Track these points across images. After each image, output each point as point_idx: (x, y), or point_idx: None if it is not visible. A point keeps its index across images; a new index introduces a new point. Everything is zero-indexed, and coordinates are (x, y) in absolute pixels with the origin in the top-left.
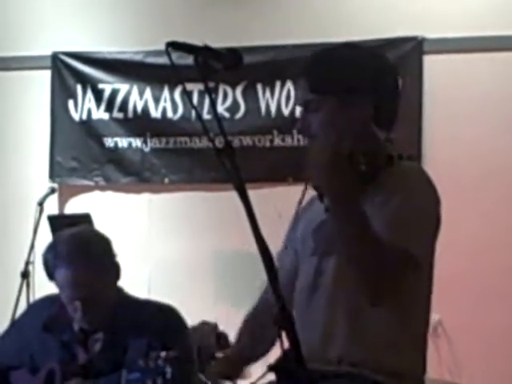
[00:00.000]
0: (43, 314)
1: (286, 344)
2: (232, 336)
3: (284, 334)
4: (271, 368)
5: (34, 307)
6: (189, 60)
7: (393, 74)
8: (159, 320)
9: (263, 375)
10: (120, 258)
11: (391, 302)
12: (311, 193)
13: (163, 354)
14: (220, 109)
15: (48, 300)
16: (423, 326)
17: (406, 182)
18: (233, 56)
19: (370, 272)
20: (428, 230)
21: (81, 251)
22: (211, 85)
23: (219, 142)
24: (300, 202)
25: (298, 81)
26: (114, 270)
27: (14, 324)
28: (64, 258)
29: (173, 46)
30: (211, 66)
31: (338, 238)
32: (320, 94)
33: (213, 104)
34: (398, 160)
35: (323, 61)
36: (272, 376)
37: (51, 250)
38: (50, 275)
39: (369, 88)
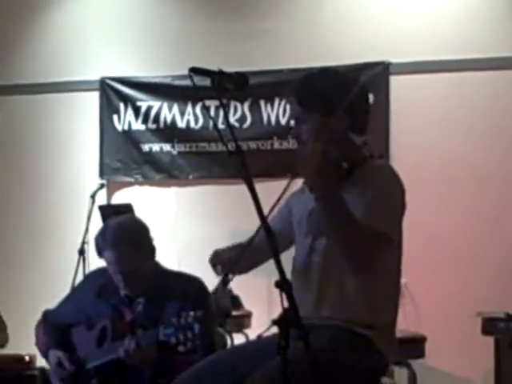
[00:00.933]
0: (96, 283)
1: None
2: (244, 298)
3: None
4: (274, 322)
5: (89, 277)
6: (207, 82)
7: (364, 94)
8: (188, 287)
9: (268, 328)
10: (155, 239)
11: (369, 270)
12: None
13: (192, 313)
14: (231, 120)
15: (100, 271)
16: (396, 288)
17: (378, 176)
18: (241, 78)
19: (352, 248)
20: (396, 213)
21: (122, 237)
22: (224, 101)
23: (231, 146)
24: (283, 192)
25: (290, 98)
26: (150, 252)
27: (73, 291)
28: (109, 242)
29: (194, 70)
30: (224, 86)
31: (324, 223)
32: (306, 109)
33: (226, 116)
34: (371, 159)
35: (308, 83)
36: (275, 329)
37: (101, 234)
38: (100, 254)
39: (342, 103)
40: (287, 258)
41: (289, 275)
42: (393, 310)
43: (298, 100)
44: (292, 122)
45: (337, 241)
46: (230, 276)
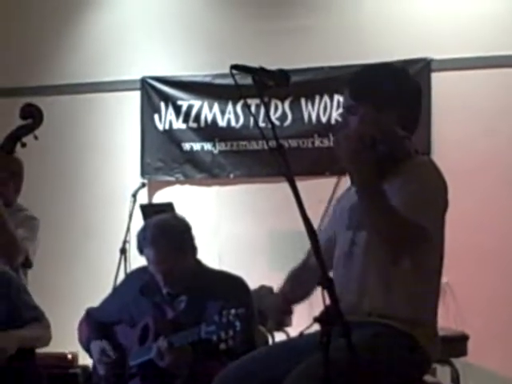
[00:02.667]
0: (138, 281)
1: (328, 301)
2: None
3: (326, 293)
4: (316, 319)
5: (131, 276)
6: (247, 80)
7: (417, 92)
8: (230, 286)
9: (310, 325)
10: (196, 237)
11: (410, 266)
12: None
13: (233, 311)
14: (272, 118)
15: (142, 270)
16: (436, 287)
17: (421, 171)
18: (282, 75)
19: (391, 238)
20: (437, 209)
21: (163, 235)
22: (265, 99)
23: (272, 144)
24: (333, 191)
25: (343, 90)
26: (191, 250)
27: (116, 289)
28: (150, 241)
29: (235, 67)
30: (266, 83)
31: (364, 212)
32: (357, 101)
33: (267, 113)
34: (416, 154)
35: (363, 75)
36: (317, 326)
37: (142, 233)
38: (141, 251)
39: (397, 99)
40: None
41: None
42: (433, 307)
43: (350, 91)
44: (334, 119)
45: (375, 229)
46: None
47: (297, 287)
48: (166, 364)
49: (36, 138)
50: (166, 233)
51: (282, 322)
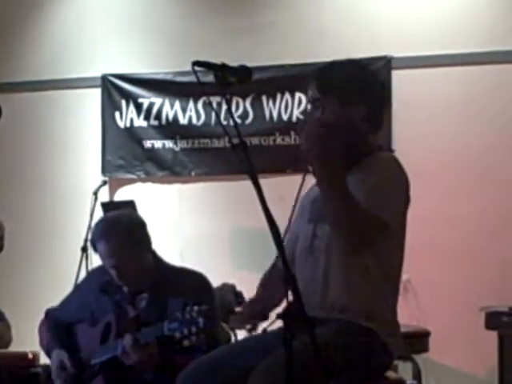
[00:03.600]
0: (99, 279)
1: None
2: (246, 294)
3: (289, 290)
4: (279, 316)
5: (92, 274)
6: (209, 78)
7: (381, 87)
8: (191, 282)
9: (273, 322)
10: (157, 234)
11: (371, 261)
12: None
13: (196, 308)
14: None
15: (103, 268)
16: (396, 281)
17: (384, 166)
18: (244, 71)
19: (347, 228)
20: (397, 204)
21: (113, 228)
22: (227, 96)
23: (235, 140)
24: (299, 189)
25: (309, 84)
26: (144, 244)
27: (77, 288)
28: (101, 234)
29: (197, 63)
30: (228, 79)
31: (324, 201)
32: (323, 94)
33: (229, 109)
34: (379, 151)
35: (329, 69)
36: (280, 323)
37: (95, 228)
38: (95, 249)
39: (362, 94)
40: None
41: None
42: (394, 304)
43: (316, 84)
44: (296, 116)
45: (334, 218)
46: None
47: (272, 290)
48: (132, 361)
49: None
50: (116, 225)
51: (255, 327)
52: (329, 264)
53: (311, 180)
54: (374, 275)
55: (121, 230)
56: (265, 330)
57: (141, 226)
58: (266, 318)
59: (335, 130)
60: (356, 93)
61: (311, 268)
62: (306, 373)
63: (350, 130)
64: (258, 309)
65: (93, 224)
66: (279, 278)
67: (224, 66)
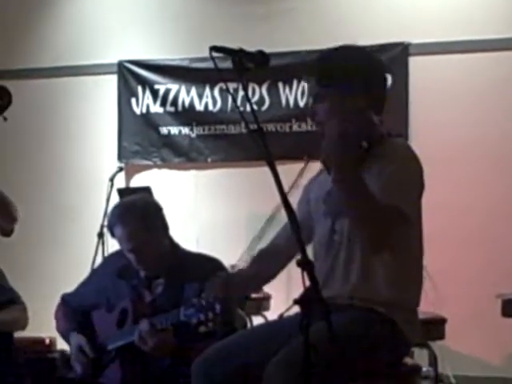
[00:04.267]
0: (116, 264)
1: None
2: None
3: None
4: (296, 302)
5: (108, 259)
6: (226, 64)
7: (382, 72)
8: (207, 268)
9: (290, 307)
10: (174, 221)
11: (390, 250)
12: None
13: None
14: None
15: (119, 254)
16: (417, 268)
17: (396, 155)
18: (262, 57)
19: (370, 227)
20: (414, 192)
21: (130, 212)
22: (244, 82)
23: (251, 126)
24: (299, 175)
25: (308, 77)
26: (161, 228)
27: (93, 273)
28: (118, 218)
29: (215, 49)
30: (245, 64)
31: (343, 203)
32: (323, 87)
33: (246, 94)
34: (389, 137)
35: (326, 60)
36: (296, 309)
37: (111, 213)
38: (112, 234)
39: (362, 82)
40: None
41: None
42: (415, 291)
43: (316, 78)
44: (309, 101)
45: (355, 220)
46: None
47: (260, 268)
48: (148, 346)
49: (5, 119)
50: (133, 209)
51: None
52: (349, 257)
53: (313, 167)
54: (394, 264)
55: (137, 213)
56: (281, 316)
57: (157, 209)
58: (240, 292)
59: (349, 132)
60: (357, 82)
61: (331, 262)
62: (323, 361)
63: (360, 122)
64: (236, 281)
65: (109, 210)
66: (277, 257)
67: (241, 52)
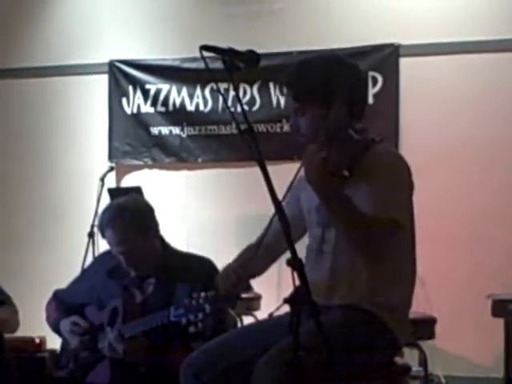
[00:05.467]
0: (107, 264)
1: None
2: (253, 281)
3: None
4: (286, 300)
5: (100, 258)
6: (216, 64)
7: (362, 79)
8: (198, 268)
9: (279, 307)
10: (164, 220)
11: (384, 258)
12: None
13: (203, 294)
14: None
15: (110, 253)
16: (409, 270)
17: (382, 162)
18: (252, 56)
19: (360, 244)
20: (405, 197)
21: (121, 215)
22: (234, 82)
23: (242, 126)
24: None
25: (288, 91)
26: (153, 230)
27: (84, 272)
28: (109, 221)
29: (205, 48)
30: (236, 64)
31: (329, 218)
32: (303, 103)
33: (237, 94)
34: (372, 144)
35: (302, 73)
36: (287, 308)
37: (102, 215)
38: (103, 235)
39: (342, 92)
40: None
41: (300, 254)
42: (406, 292)
43: (293, 93)
44: (290, 115)
45: (343, 235)
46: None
47: (252, 262)
48: (117, 355)
49: None
50: (124, 213)
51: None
52: (336, 261)
53: None
54: (383, 267)
55: (128, 217)
56: (271, 315)
57: (149, 211)
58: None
59: (330, 160)
60: (334, 92)
61: (319, 269)
62: (312, 360)
63: (343, 135)
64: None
65: (100, 210)
66: (262, 254)
67: (231, 51)
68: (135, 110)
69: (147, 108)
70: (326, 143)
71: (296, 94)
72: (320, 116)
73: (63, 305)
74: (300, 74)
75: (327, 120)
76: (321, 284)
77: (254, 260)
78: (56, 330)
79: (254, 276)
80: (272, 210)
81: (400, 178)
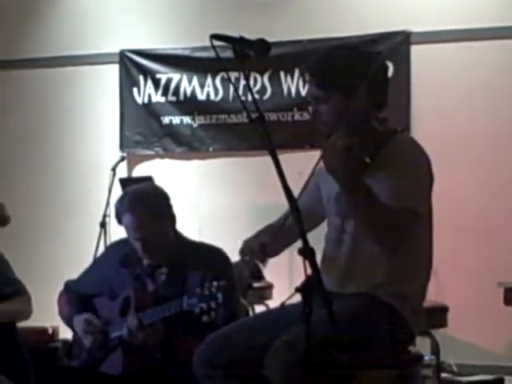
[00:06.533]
0: (119, 253)
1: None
2: (263, 270)
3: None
4: (297, 289)
5: (112, 248)
6: (227, 53)
7: (384, 69)
8: (210, 257)
9: (291, 296)
10: (176, 211)
11: (400, 251)
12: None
13: (215, 283)
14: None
15: (122, 242)
16: (425, 260)
17: (401, 154)
18: (263, 45)
19: (380, 234)
20: (424, 188)
21: (140, 201)
22: (245, 70)
23: (253, 115)
24: (316, 164)
25: (305, 77)
26: (170, 218)
27: (96, 261)
28: (128, 206)
29: (216, 37)
30: (246, 53)
31: (350, 208)
32: (325, 90)
33: (248, 83)
34: (394, 134)
35: (325, 62)
36: (298, 297)
37: (120, 201)
38: (119, 221)
39: (365, 82)
40: (318, 236)
41: (311, 243)
42: (421, 283)
43: (316, 81)
44: (311, 102)
45: (363, 225)
46: (262, 265)
47: (271, 242)
48: (138, 342)
49: None
50: (143, 198)
51: (257, 273)
52: (354, 250)
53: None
54: (399, 256)
55: (147, 202)
56: (283, 304)
57: (165, 199)
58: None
59: (352, 147)
60: (357, 83)
61: (337, 258)
62: (325, 347)
63: (364, 125)
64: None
65: (111, 200)
66: (283, 236)
67: (242, 39)
68: (146, 100)
69: (158, 97)
70: (348, 132)
71: (320, 81)
72: (343, 105)
73: (75, 296)
74: (325, 63)
75: (349, 109)
76: (337, 272)
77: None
78: (69, 325)
79: (272, 256)
80: (283, 198)
81: (419, 169)
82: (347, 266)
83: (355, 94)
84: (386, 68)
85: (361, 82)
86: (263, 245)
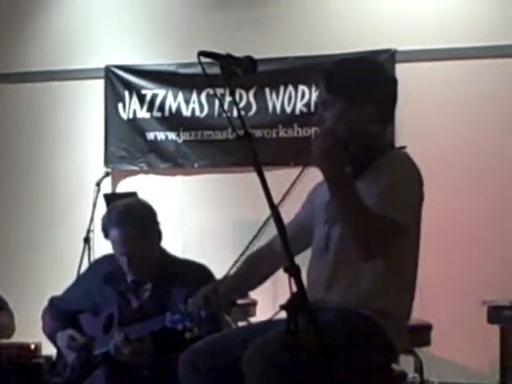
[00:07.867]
0: (103, 269)
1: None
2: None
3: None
4: (282, 307)
5: (95, 264)
6: (213, 70)
7: (392, 84)
8: (195, 274)
9: (276, 313)
10: (161, 226)
11: (382, 260)
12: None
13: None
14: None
15: (106, 258)
16: (410, 277)
17: (394, 165)
18: (249, 62)
19: (361, 236)
20: (412, 203)
21: (129, 216)
22: (232, 87)
23: (239, 132)
24: (296, 178)
25: (318, 83)
26: (156, 234)
27: (80, 278)
28: (116, 221)
29: (203, 54)
30: (233, 70)
31: (335, 207)
32: (333, 95)
33: (234, 100)
34: (391, 149)
35: (339, 68)
36: (283, 314)
37: (107, 215)
38: (106, 235)
39: (373, 93)
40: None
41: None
42: (406, 301)
43: (325, 84)
44: (317, 107)
45: (346, 226)
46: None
47: (253, 273)
48: (123, 357)
49: None
50: (132, 214)
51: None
52: (338, 263)
53: (310, 172)
54: (384, 272)
55: (136, 218)
56: (270, 320)
57: (153, 215)
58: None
59: (344, 143)
60: (366, 92)
61: (323, 265)
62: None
63: (362, 133)
64: (223, 289)
65: (95, 215)
66: (272, 260)
67: (229, 57)
68: (131, 115)
69: (143, 113)
70: (347, 139)
71: (329, 85)
72: (347, 112)
73: (59, 313)
74: (336, 69)
75: (352, 117)
76: (322, 278)
77: (255, 271)
78: (52, 341)
79: (257, 284)
80: (268, 215)
81: (409, 183)
82: (332, 270)
83: (362, 102)
84: (396, 82)
85: (368, 93)
86: (206, 296)
